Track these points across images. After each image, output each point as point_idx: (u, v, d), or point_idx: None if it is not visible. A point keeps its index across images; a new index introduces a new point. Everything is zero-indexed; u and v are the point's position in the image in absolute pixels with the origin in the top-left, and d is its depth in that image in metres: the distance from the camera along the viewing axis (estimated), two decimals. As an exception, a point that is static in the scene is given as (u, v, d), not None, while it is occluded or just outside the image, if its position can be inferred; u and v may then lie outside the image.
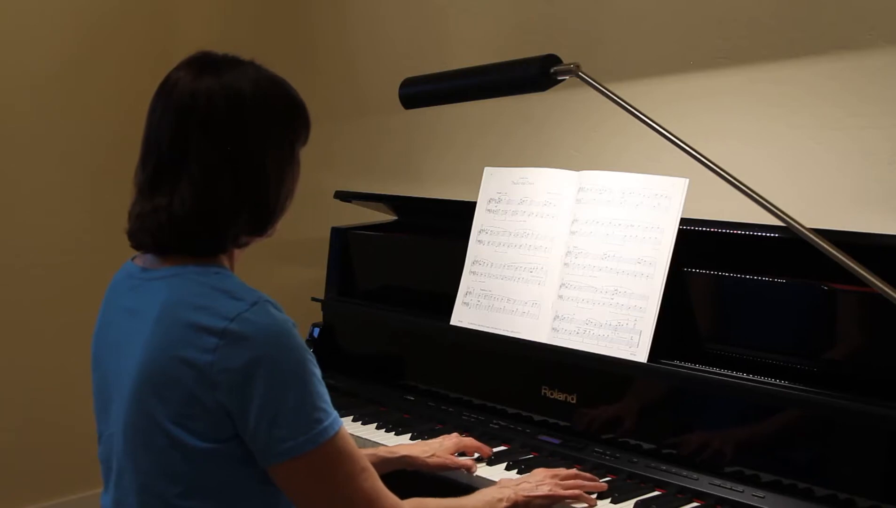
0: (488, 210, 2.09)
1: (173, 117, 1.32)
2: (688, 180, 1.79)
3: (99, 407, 1.41)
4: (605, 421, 1.81)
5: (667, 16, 2.23)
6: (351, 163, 3.01)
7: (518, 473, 1.73)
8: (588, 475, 1.67)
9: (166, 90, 1.36)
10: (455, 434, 1.85)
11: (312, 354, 1.30)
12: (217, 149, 1.31)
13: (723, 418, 1.69)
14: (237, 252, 1.41)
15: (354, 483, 1.29)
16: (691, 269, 1.79)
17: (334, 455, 1.27)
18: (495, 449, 1.85)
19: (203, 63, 1.37)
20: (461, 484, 1.73)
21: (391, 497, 1.34)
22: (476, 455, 1.81)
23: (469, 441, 1.82)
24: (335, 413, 1.29)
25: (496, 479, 1.71)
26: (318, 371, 1.30)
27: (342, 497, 1.29)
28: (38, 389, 3.19)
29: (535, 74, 1.59)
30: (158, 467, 1.29)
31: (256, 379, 1.23)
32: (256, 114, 1.34)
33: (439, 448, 1.78)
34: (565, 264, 1.92)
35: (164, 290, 1.31)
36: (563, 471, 1.66)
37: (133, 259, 1.44)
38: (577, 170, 1.97)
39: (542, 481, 1.61)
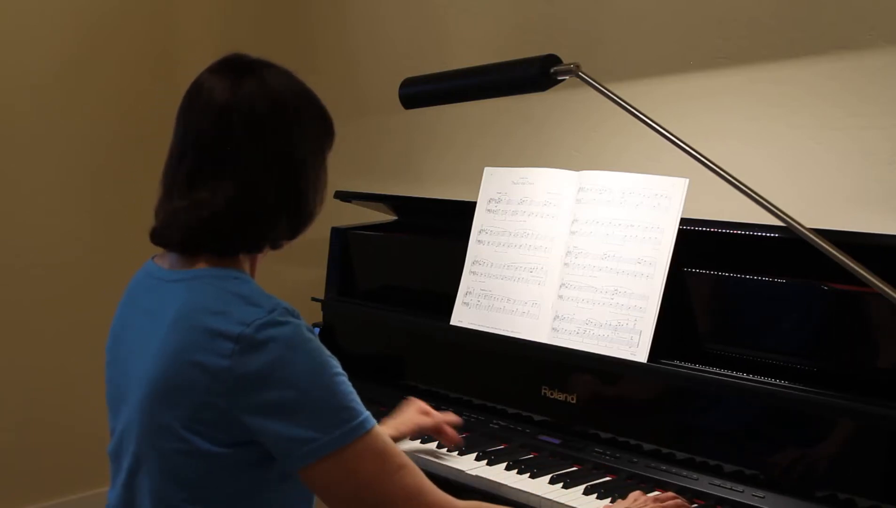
0: (488, 210, 2.09)
1: (215, 117, 1.32)
2: (688, 180, 1.79)
3: (112, 404, 1.41)
4: (605, 421, 1.81)
5: (667, 16, 2.23)
6: (351, 163, 3.01)
7: (518, 473, 1.73)
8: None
9: (203, 92, 1.35)
10: (415, 403, 1.86)
11: (335, 357, 1.29)
12: (262, 149, 1.32)
13: (723, 418, 1.68)
14: (259, 257, 1.42)
15: (392, 481, 1.27)
16: (691, 269, 1.79)
17: (367, 453, 1.26)
18: (495, 448, 1.85)
19: (238, 66, 1.37)
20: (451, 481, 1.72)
21: (437, 492, 1.31)
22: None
23: (432, 423, 1.82)
24: (366, 413, 1.28)
25: (497, 479, 1.71)
26: (341, 372, 1.29)
27: (379, 496, 1.27)
28: (38, 389, 3.19)
29: (535, 74, 1.59)
30: (168, 471, 1.29)
31: (273, 385, 1.23)
32: (297, 117, 1.36)
33: (409, 421, 1.80)
34: (565, 264, 1.92)
35: (182, 293, 1.31)
36: (661, 494, 1.58)
37: (154, 258, 1.43)
38: (578, 170, 1.97)
39: (645, 504, 1.52)
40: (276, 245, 1.39)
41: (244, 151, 1.31)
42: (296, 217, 1.37)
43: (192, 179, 1.33)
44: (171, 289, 1.33)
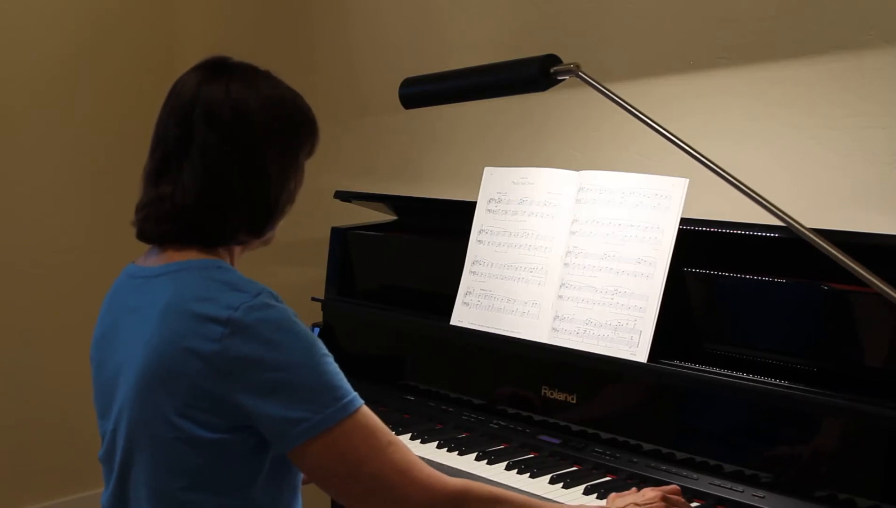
0: (488, 210, 2.09)
1: (179, 114, 1.36)
2: (688, 180, 1.79)
3: (101, 408, 1.42)
4: (605, 421, 1.81)
5: (666, 16, 2.23)
6: (351, 163, 3.01)
7: (518, 473, 1.74)
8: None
9: (176, 91, 1.39)
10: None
11: (320, 340, 1.31)
12: (220, 147, 1.34)
13: (723, 418, 1.68)
14: (237, 253, 1.43)
15: (382, 457, 1.29)
16: (691, 269, 1.79)
17: (357, 431, 1.28)
18: (495, 448, 1.85)
19: (215, 68, 1.40)
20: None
21: (427, 468, 1.32)
22: None
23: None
24: (354, 393, 1.30)
25: (497, 479, 1.71)
26: (328, 353, 1.31)
27: (370, 472, 1.28)
28: (38, 389, 3.19)
29: (535, 74, 1.59)
30: (164, 460, 1.30)
31: (263, 366, 1.25)
32: (259, 129, 1.37)
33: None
34: (565, 264, 1.92)
35: (167, 286, 1.33)
36: (670, 487, 1.57)
37: (134, 262, 1.45)
38: (578, 170, 1.97)
39: (652, 500, 1.51)
40: (241, 241, 1.41)
41: (203, 148, 1.34)
42: (256, 211, 1.38)
43: (158, 174, 1.37)
44: (156, 283, 1.35)
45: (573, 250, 1.91)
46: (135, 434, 1.33)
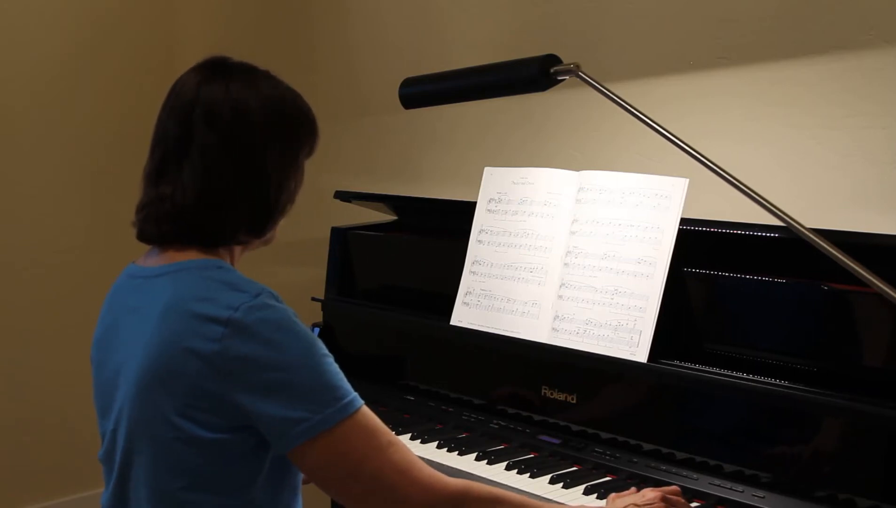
0: (488, 210, 2.09)
1: (179, 113, 1.36)
2: (688, 180, 1.79)
3: (101, 408, 1.42)
4: (605, 421, 1.81)
5: (667, 16, 2.23)
6: (351, 163, 3.01)
7: (518, 473, 1.74)
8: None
9: (175, 91, 1.39)
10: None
11: (320, 340, 1.31)
12: (220, 147, 1.34)
13: (723, 418, 1.68)
14: (237, 252, 1.43)
15: (382, 458, 1.29)
16: (691, 269, 1.79)
17: (357, 431, 1.28)
18: (495, 448, 1.85)
19: (215, 68, 1.40)
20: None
21: (426, 468, 1.32)
22: None
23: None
24: (354, 394, 1.30)
25: (497, 479, 1.71)
26: (328, 353, 1.31)
27: (370, 472, 1.28)
28: (38, 389, 3.19)
29: (535, 74, 1.59)
30: (164, 460, 1.30)
31: (263, 367, 1.25)
32: (259, 130, 1.37)
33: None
34: (565, 264, 1.92)
35: (168, 286, 1.33)
36: (669, 488, 1.57)
37: (134, 261, 1.45)
38: (578, 170, 1.97)
39: (652, 501, 1.51)
40: (241, 241, 1.41)
41: (203, 148, 1.34)
42: (256, 211, 1.38)
43: (158, 174, 1.37)
44: (156, 283, 1.35)
45: (573, 250, 1.91)
46: (135, 434, 1.33)
